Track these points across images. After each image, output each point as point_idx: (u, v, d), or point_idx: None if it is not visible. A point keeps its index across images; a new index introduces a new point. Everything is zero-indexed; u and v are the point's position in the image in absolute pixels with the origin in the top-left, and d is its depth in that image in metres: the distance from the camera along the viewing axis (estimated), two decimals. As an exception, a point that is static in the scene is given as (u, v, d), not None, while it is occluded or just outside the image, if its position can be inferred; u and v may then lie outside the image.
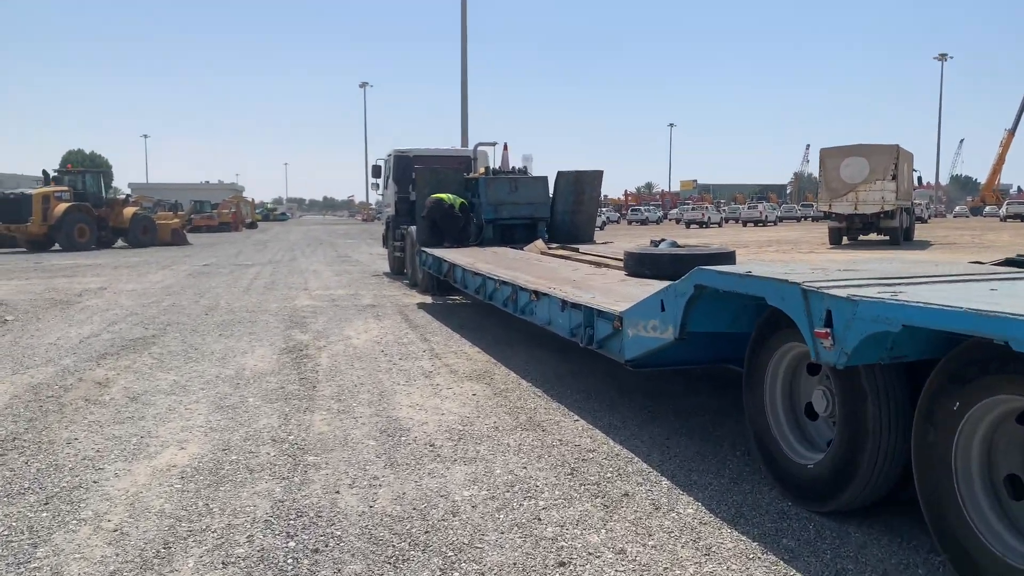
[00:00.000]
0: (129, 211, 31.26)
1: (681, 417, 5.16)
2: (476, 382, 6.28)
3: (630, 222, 68.57)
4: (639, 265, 6.80)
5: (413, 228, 12.91)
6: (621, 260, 7.71)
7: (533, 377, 6.43)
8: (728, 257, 6.44)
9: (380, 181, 17.69)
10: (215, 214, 57.81)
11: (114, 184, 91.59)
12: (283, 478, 4.03)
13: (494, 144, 14.42)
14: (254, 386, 6.19)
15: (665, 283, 5.93)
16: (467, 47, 29.93)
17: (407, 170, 14.28)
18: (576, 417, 5.18)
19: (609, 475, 4.05)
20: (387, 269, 17.15)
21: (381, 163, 17.70)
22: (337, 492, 3.82)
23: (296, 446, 4.58)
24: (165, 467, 4.22)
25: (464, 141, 29.82)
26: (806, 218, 69.74)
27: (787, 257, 20.56)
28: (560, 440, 4.66)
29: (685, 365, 5.12)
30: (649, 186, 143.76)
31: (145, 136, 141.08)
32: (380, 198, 18.84)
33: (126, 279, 16.00)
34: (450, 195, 12.07)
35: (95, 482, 3.98)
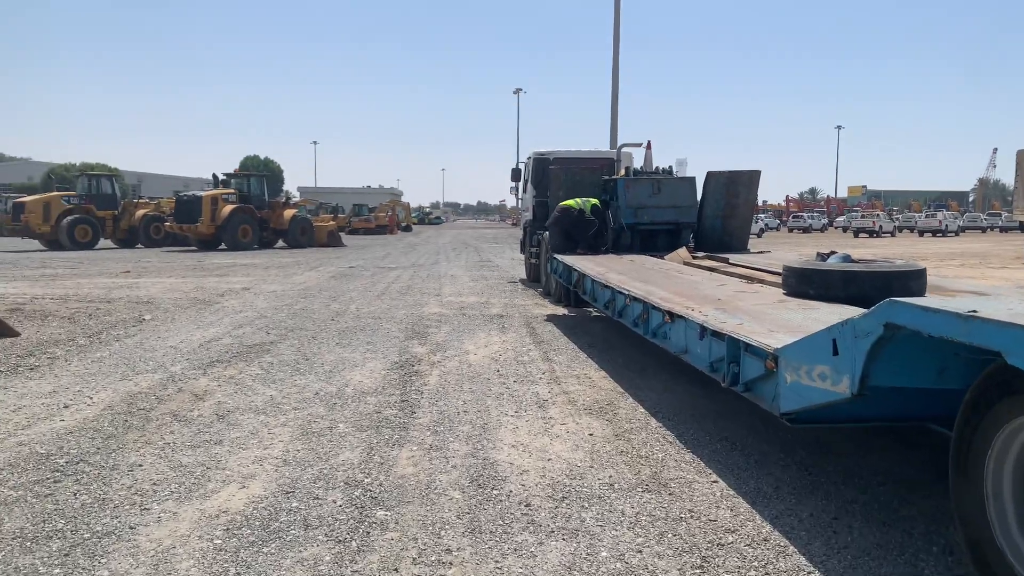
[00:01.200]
0: (289, 213, 32.64)
1: (855, 485, 3.99)
2: (596, 417, 5.35)
3: (791, 230, 64.67)
4: (802, 283, 5.60)
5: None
6: (779, 275, 6.51)
7: (665, 415, 5.41)
8: (918, 276, 5.12)
9: (519, 185, 17.07)
10: (372, 217, 59.93)
11: (284, 188, 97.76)
12: (339, 540, 3.30)
13: (640, 145, 13.34)
14: (350, 408, 5.57)
15: (836, 308, 4.78)
16: (619, 39, 28.78)
17: (546, 173, 13.50)
18: (714, 476, 4.14)
19: (752, 574, 3.01)
20: (524, 276, 16.49)
21: (521, 166, 17.09)
22: (396, 570, 3.03)
23: (369, 494, 3.85)
24: (215, 513, 3.61)
25: (613, 143, 28.74)
26: (993, 228, 62.92)
27: (975, 273, 18.00)
28: (691, 511, 3.65)
29: (862, 423, 3.95)
30: (813, 191, 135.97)
31: (314, 143, 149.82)
32: (520, 202, 18.23)
33: (271, 280, 16.29)
34: (580, 200, 11.17)
35: (131, 528, 3.42)
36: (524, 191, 16.46)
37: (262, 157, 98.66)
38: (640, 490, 3.92)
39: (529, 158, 15.81)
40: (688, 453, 4.54)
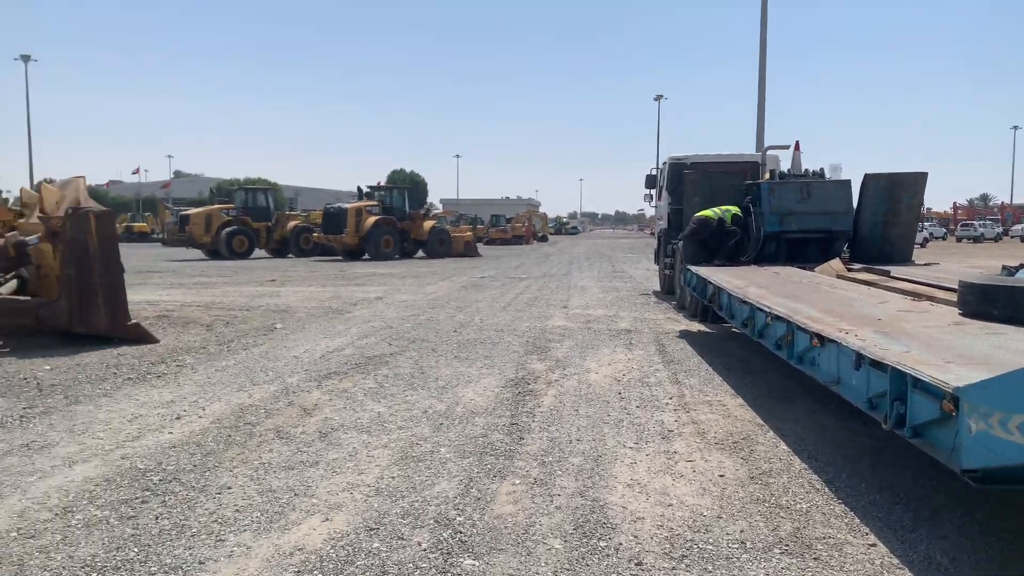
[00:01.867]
0: (428, 224, 33.28)
1: (1062, 562, 3.14)
2: (729, 454, 4.67)
3: (959, 239, 59.37)
4: (985, 301, 4.68)
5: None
6: (953, 291, 5.56)
7: (812, 454, 4.65)
8: None
9: (654, 192, 16.31)
10: (509, 228, 60.46)
11: (428, 200, 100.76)
12: (416, 595, 2.88)
13: (787, 147, 12.30)
14: (456, 430, 5.19)
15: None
16: (766, 20, 27.25)
17: (682, 179, 12.74)
18: (871, 537, 3.40)
19: None
20: (657, 287, 15.72)
21: (656, 173, 16.33)
22: (471, 641, 2.57)
23: (459, 537, 3.42)
24: (290, 550, 3.29)
25: (759, 146, 27.23)
26: None
27: None
28: (841, 585, 2.96)
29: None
30: (984, 198, 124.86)
31: (457, 156, 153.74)
32: (654, 210, 17.44)
33: (405, 289, 16.41)
34: (718, 209, 10.35)
35: (200, 564, 3.15)
36: (659, 198, 15.70)
37: (408, 171, 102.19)
38: (778, 551, 3.25)
39: (664, 163, 15.06)
40: (839, 505, 3.80)
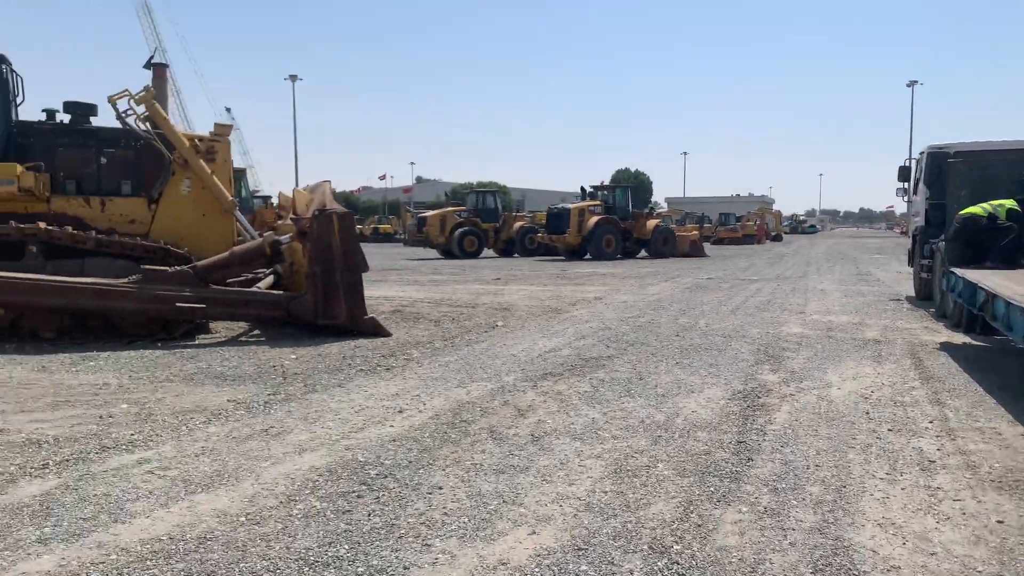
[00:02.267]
0: (651, 224, 32.72)
1: None
2: (1008, 494, 3.86)
3: None
4: None
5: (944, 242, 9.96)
6: None
7: None
8: None
9: (908, 186, 14.58)
10: (739, 227, 57.91)
11: (652, 199, 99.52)
12: (624, 633, 2.58)
13: (1081, 129, 10.40)
14: (675, 444, 4.81)
15: None
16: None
17: (943, 170, 11.21)
18: None
19: None
20: (911, 292, 14.02)
21: (911, 164, 14.59)
22: None
23: (676, 569, 3.06)
24: (494, 563, 3.13)
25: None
26: None
27: None
28: None
29: None
30: None
31: (684, 153, 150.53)
32: (909, 206, 15.60)
33: (625, 290, 16.11)
34: (988, 204, 8.90)
35: (405, 569, 3.08)
36: (914, 193, 14.00)
37: (632, 170, 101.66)
38: (1089, 634, 2.54)
39: (922, 153, 13.38)
40: None
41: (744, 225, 58.65)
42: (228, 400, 6.00)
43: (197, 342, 8.91)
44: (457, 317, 11.28)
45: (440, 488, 4.02)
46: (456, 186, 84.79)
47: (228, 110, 79.68)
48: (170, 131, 9.46)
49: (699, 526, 3.49)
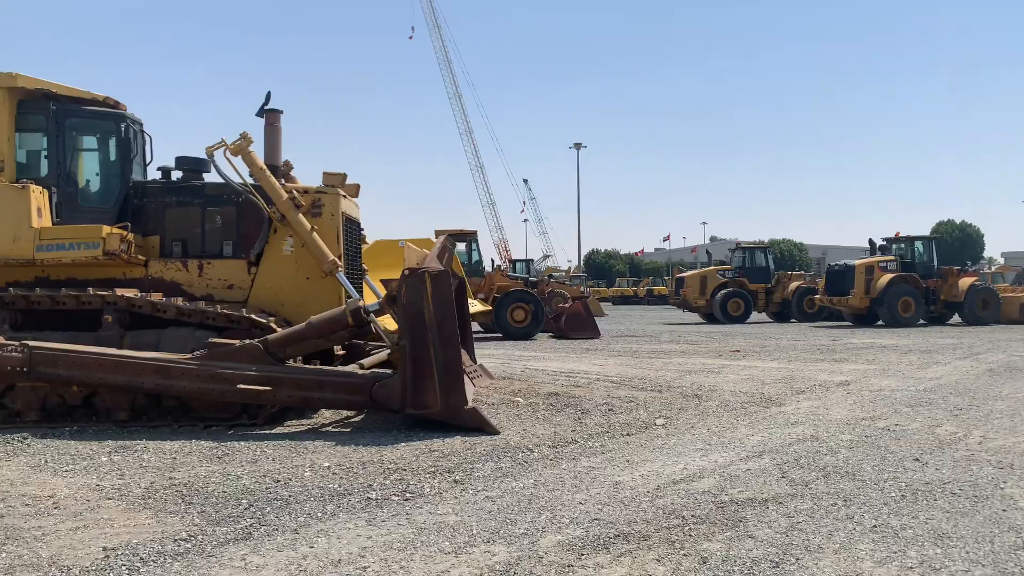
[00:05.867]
0: (966, 282, 26.42)
1: None
2: None
3: None
4: None
5: None
6: None
7: None
8: None
9: None
10: (1104, 284, 45.91)
11: (985, 255, 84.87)
12: None
13: None
14: None
15: None
16: None
17: None
18: None
19: None
20: None
21: None
22: None
23: None
24: None
25: None
26: None
27: None
28: None
29: None
30: None
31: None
32: None
33: (894, 371, 12.03)
34: None
35: None
36: None
37: (957, 221, 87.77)
38: None
39: None
40: None
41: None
42: (129, 539, 4.17)
43: (275, 431, 7.41)
44: (622, 407, 8.61)
45: None
46: (743, 244, 79.49)
47: (525, 181, 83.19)
48: (267, 183, 8.28)
49: None
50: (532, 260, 45.50)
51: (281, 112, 8.87)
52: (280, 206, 8.29)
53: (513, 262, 41.94)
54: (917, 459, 5.94)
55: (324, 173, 8.77)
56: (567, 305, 22.09)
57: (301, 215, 8.37)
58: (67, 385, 7.52)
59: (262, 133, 8.85)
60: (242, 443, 6.84)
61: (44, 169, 8.59)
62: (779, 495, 4.99)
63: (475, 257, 23.20)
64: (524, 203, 78.81)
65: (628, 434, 7.18)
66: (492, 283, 22.24)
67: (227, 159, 8.25)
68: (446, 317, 7.25)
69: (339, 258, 8.53)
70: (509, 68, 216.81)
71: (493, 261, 31.61)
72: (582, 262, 79.23)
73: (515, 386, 10.11)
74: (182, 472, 5.77)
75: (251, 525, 4.46)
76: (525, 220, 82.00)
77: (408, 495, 5.11)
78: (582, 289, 32.43)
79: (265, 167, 8.35)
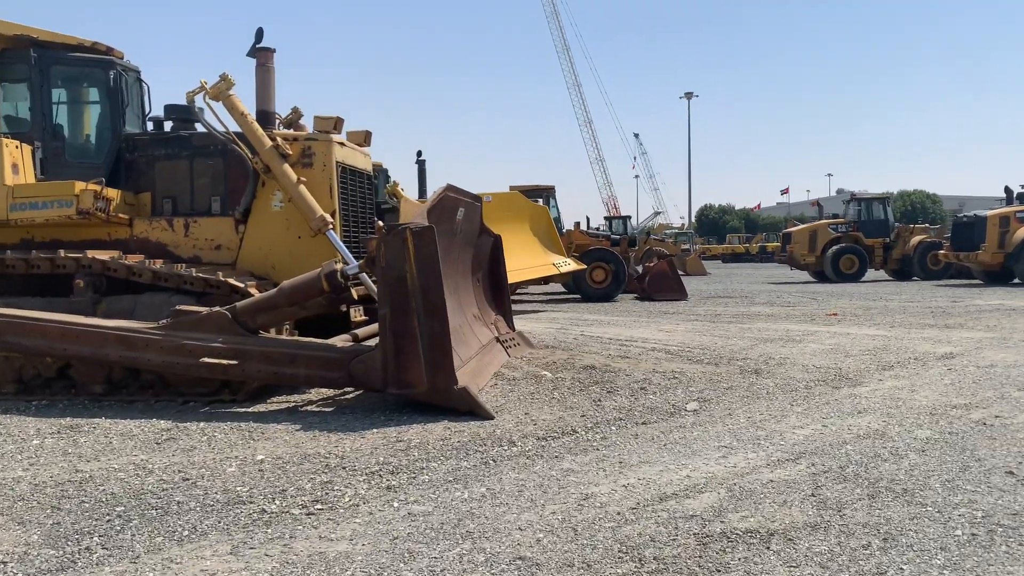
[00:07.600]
0: None
1: None
2: None
3: None
4: None
5: None
6: None
7: None
8: None
9: None
10: None
11: None
12: None
13: None
14: None
15: None
16: None
17: None
18: None
19: None
20: None
21: None
22: None
23: None
24: None
25: None
26: None
27: None
28: None
29: None
30: None
31: None
32: None
33: (1016, 340, 10.02)
34: None
35: None
36: None
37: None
38: None
39: None
40: None
41: None
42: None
43: (252, 408, 6.60)
44: (659, 385, 7.31)
45: None
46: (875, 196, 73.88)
47: (636, 136, 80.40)
48: (248, 129, 7.36)
49: None
50: (628, 217, 43.29)
51: (273, 51, 7.90)
52: (263, 155, 7.38)
53: (610, 219, 40.11)
54: (1012, 472, 4.40)
55: (315, 117, 7.77)
56: (651, 264, 20.51)
57: (287, 166, 7.43)
58: (38, 356, 6.97)
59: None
60: (201, 424, 6.05)
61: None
62: (793, 526, 3.65)
63: (553, 214, 21.88)
64: (635, 159, 76.19)
65: (645, 422, 5.90)
66: (570, 241, 20.91)
67: (207, 104, 7.38)
68: (432, 282, 6.16)
69: (333, 214, 7.57)
70: (615, 20, 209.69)
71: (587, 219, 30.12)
72: (694, 218, 75.98)
73: (553, 356, 8.96)
74: (94, 464, 4.99)
75: (89, 548, 3.57)
76: (636, 176, 79.47)
77: (318, 507, 4.10)
78: (685, 247, 30.45)
79: (247, 112, 7.44)
